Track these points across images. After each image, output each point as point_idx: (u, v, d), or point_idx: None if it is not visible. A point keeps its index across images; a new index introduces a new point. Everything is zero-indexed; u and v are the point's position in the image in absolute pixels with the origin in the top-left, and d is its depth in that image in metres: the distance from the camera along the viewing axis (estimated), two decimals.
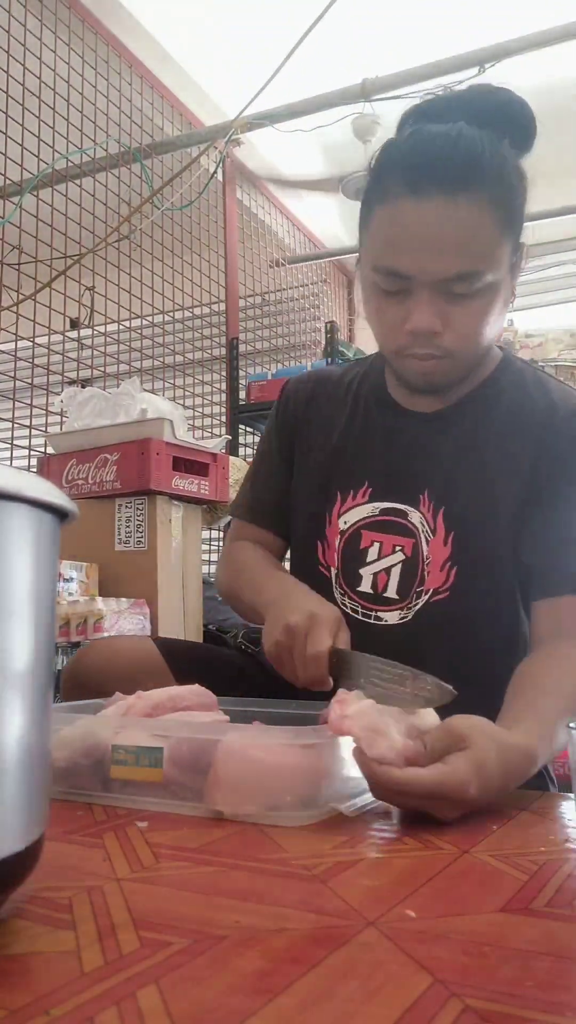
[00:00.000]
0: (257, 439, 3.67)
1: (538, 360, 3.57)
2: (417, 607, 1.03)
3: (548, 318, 4.07)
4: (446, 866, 0.56)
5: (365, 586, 1.05)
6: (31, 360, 2.47)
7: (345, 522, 1.08)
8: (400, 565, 1.04)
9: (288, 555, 1.22)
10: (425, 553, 1.03)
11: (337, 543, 1.08)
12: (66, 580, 1.89)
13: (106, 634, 1.76)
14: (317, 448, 1.14)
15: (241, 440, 3.37)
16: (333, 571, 1.08)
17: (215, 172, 3.05)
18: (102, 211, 2.69)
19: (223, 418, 3.36)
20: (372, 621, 1.05)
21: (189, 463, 2.16)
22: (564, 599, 1.00)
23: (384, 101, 2.72)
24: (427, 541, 1.03)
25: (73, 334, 2.61)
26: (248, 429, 3.46)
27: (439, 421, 1.07)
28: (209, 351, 3.35)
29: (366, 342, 4.39)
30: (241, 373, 3.39)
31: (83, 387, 2.42)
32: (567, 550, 1.01)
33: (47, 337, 2.54)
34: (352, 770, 0.70)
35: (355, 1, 2.58)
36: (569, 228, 3.97)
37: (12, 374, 2.43)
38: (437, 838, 0.63)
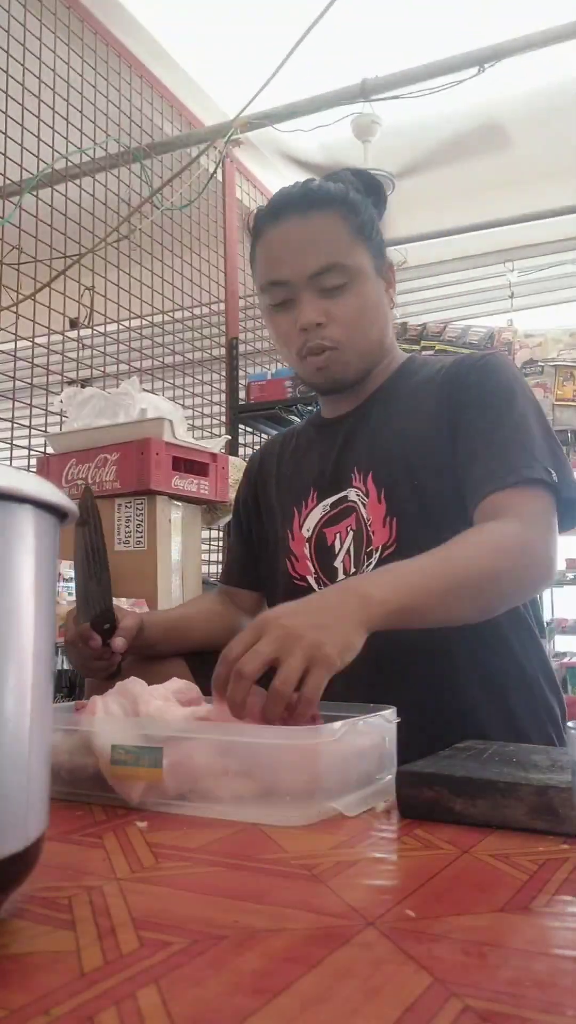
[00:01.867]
0: (257, 439, 3.67)
1: (538, 360, 3.57)
2: (371, 567, 1.08)
3: (548, 318, 4.08)
4: (446, 866, 0.56)
5: (341, 574, 1.13)
6: (31, 360, 2.47)
7: (308, 530, 1.18)
8: (352, 542, 1.13)
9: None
10: (365, 516, 1.11)
11: (307, 551, 1.17)
12: (66, 580, 1.89)
13: None
14: (275, 494, 1.28)
15: (241, 440, 3.37)
16: (311, 577, 1.17)
17: (215, 172, 3.05)
18: (102, 211, 2.69)
19: (223, 418, 3.36)
20: None
21: (189, 463, 2.16)
22: (487, 500, 1.01)
23: (384, 101, 2.72)
24: (364, 505, 1.12)
25: (73, 334, 2.61)
26: (248, 429, 3.46)
27: (356, 415, 1.19)
28: (209, 351, 3.34)
29: None
30: (241, 373, 3.39)
31: (83, 387, 2.42)
32: (484, 458, 1.04)
33: (47, 337, 2.54)
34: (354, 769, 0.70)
35: (355, 1, 2.58)
36: (569, 228, 3.97)
37: (12, 374, 2.43)
38: (437, 838, 0.63)
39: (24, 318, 2.38)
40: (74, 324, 2.59)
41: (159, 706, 0.77)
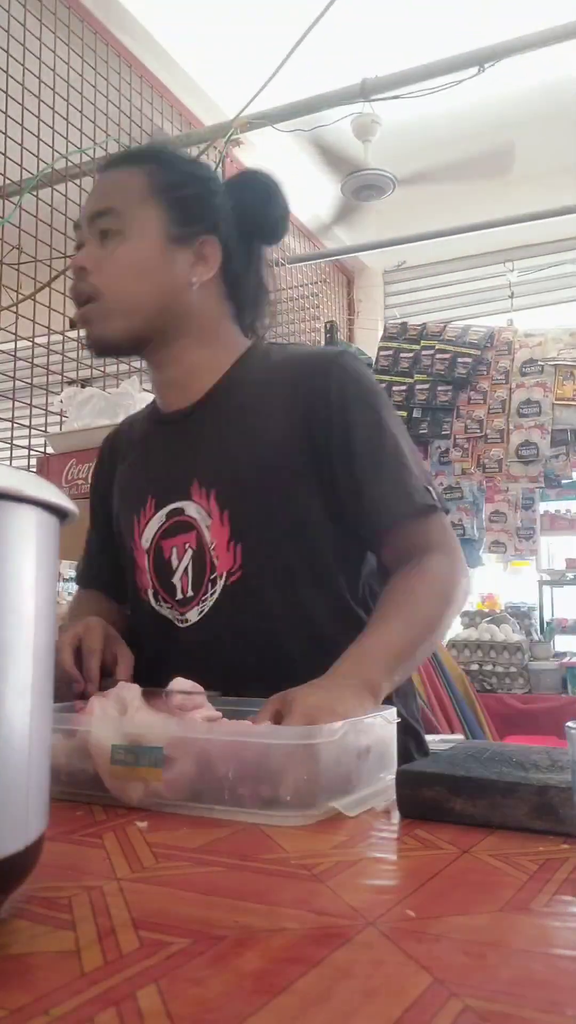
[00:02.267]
0: None
1: (538, 359, 3.57)
2: (215, 595, 1.02)
3: (548, 318, 4.08)
4: (446, 866, 0.56)
5: (179, 593, 1.06)
6: (31, 360, 2.47)
7: (146, 540, 1.10)
8: (190, 562, 1.05)
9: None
10: (208, 539, 1.03)
11: (146, 563, 1.10)
12: (66, 580, 1.89)
13: None
14: (118, 491, 1.19)
15: None
16: (150, 591, 1.09)
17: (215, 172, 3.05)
18: None
19: None
20: (183, 625, 1.05)
21: None
22: (395, 531, 1.02)
23: (384, 101, 2.72)
24: (207, 527, 1.04)
25: (73, 334, 2.60)
26: None
27: (191, 416, 1.10)
28: None
29: (366, 342, 4.40)
30: None
31: (83, 387, 2.42)
32: (373, 486, 1.01)
33: (47, 337, 2.54)
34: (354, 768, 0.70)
35: (355, 1, 2.58)
36: (569, 228, 3.97)
37: (12, 374, 2.43)
38: (437, 838, 0.63)
39: (24, 318, 2.38)
40: (74, 324, 2.59)
41: (147, 716, 0.75)
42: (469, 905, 0.49)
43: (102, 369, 2.82)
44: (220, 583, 1.02)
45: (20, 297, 2.36)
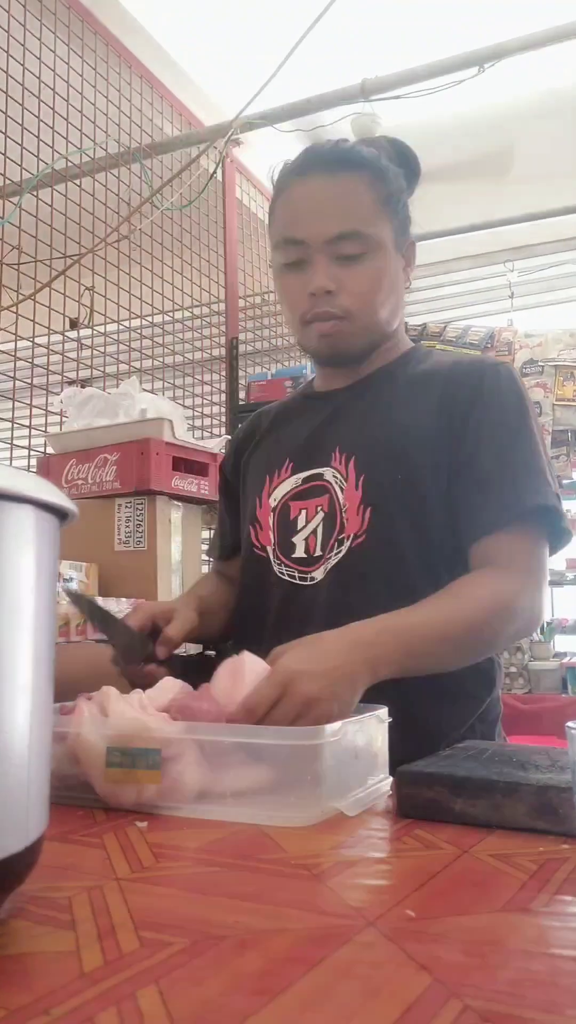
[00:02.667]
0: None
1: (538, 360, 3.57)
2: (340, 555, 1.06)
3: (548, 318, 4.08)
4: (446, 866, 0.56)
5: (299, 552, 1.10)
6: (31, 360, 2.47)
7: (274, 499, 1.15)
8: (322, 523, 1.09)
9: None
10: (341, 501, 1.08)
11: (271, 521, 1.14)
12: (66, 580, 1.89)
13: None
14: (255, 454, 1.24)
15: None
16: (269, 548, 1.14)
17: (215, 172, 3.05)
18: (102, 211, 2.69)
19: (223, 418, 3.36)
20: (307, 583, 1.08)
21: (189, 463, 2.16)
22: (491, 537, 1.03)
23: (384, 101, 2.72)
24: (341, 489, 1.08)
25: (73, 334, 2.61)
26: None
27: (350, 392, 1.16)
28: (209, 351, 3.34)
29: None
30: (241, 373, 3.39)
31: (83, 387, 2.42)
32: (495, 485, 1.04)
33: (47, 337, 2.54)
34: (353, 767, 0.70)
35: (355, 1, 2.58)
36: (569, 228, 3.97)
37: (12, 374, 2.43)
38: (437, 838, 0.63)
39: (24, 318, 2.38)
40: (74, 324, 2.59)
41: (132, 716, 0.74)
42: (469, 905, 0.49)
43: (102, 369, 2.82)
44: (347, 544, 1.06)
45: (20, 297, 2.35)
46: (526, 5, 2.72)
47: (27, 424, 2.49)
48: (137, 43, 2.85)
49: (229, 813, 0.68)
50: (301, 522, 1.11)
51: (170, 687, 0.82)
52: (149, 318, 2.91)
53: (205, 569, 2.34)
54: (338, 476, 1.09)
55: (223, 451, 2.35)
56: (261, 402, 3.17)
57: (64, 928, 0.44)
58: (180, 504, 2.15)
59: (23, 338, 2.39)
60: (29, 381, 2.47)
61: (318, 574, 1.07)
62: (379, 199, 1.07)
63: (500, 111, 3.50)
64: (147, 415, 2.10)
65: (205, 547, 2.36)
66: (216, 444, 2.35)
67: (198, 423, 3.22)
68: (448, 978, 0.38)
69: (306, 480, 1.13)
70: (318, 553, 1.08)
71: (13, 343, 2.39)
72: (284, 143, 3.16)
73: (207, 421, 3.31)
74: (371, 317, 1.09)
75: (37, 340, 2.48)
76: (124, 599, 1.91)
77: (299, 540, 1.11)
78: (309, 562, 1.09)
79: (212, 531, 1.37)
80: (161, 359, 3.10)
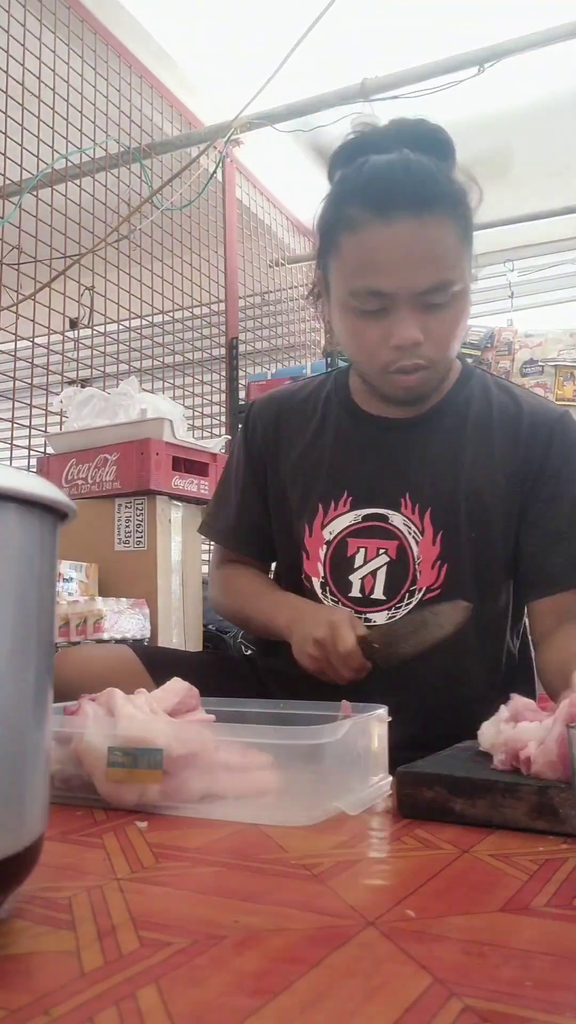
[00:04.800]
0: None
1: (538, 360, 3.57)
2: (410, 606, 1.07)
3: (548, 318, 4.07)
4: (446, 866, 0.56)
5: (355, 591, 1.09)
6: (31, 360, 2.47)
7: (330, 532, 1.12)
8: (386, 567, 1.08)
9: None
10: (416, 553, 1.08)
11: (322, 553, 1.12)
12: (66, 580, 1.89)
13: (105, 635, 1.76)
14: (290, 466, 1.18)
15: None
16: (317, 580, 1.12)
17: (215, 172, 3.05)
18: (102, 211, 2.68)
19: (223, 418, 3.35)
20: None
21: (189, 463, 2.16)
22: (562, 595, 1.06)
23: (384, 101, 2.72)
24: (416, 542, 1.08)
25: (73, 334, 2.60)
26: None
27: (413, 429, 1.12)
28: (209, 351, 3.34)
29: None
30: (241, 373, 3.38)
31: (83, 387, 2.42)
32: (556, 547, 1.06)
33: (47, 337, 2.54)
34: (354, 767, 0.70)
35: (355, 1, 2.57)
36: (569, 228, 3.97)
37: (12, 374, 2.43)
38: (437, 838, 0.63)
39: (24, 318, 2.38)
40: (74, 324, 2.59)
41: (137, 718, 0.74)
42: (469, 905, 0.49)
43: (102, 369, 2.82)
44: (418, 596, 1.07)
45: (20, 297, 2.35)
46: (526, 5, 2.72)
47: (27, 424, 2.49)
48: (137, 43, 2.85)
49: (229, 813, 0.68)
50: (358, 560, 1.10)
51: (177, 689, 0.82)
52: (149, 318, 2.91)
53: (205, 569, 2.34)
54: (411, 526, 1.08)
55: (223, 451, 2.35)
56: None
57: (64, 928, 0.44)
58: (180, 504, 2.15)
59: (23, 338, 2.39)
60: (29, 381, 2.47)
61: (378, 618, 1.08)
62: (461, 234, 0.99)
63: (500, 111, 3.50)
64: (147, 415, 2.10)
65: (205, 547, 2.36)
66: (216, 444, 2.35)
67: (198, 423, 3.22)
68: (448, 978, 0.38)
69: (366, 518, 1.10)
70: (378, 596, 1.08)
71: (13, 343, 2.39)
72: (284, 143, 3.16)
73: (207, 421, 3.31)
74: (451, 359, 1.07)
75: (37, 340, 2.48)
76: (124, 599, 1.91)
77: (355, 579, 1.09)
78: (364, 603, 1.09)
79: (212, 507, 1.31)
80: (161, 359, 3.10)
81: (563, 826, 0.62)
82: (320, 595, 1.12)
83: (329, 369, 1.30)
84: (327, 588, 1.11)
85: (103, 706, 0.77)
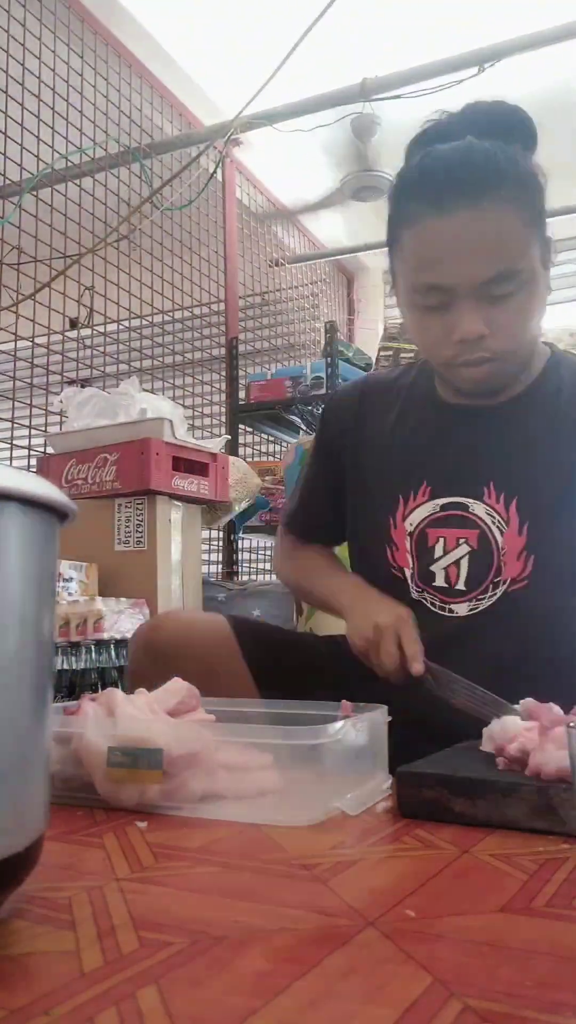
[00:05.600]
0: (257, 439, 3.67)
1: None
2: (495, 597, 1.05)
3: (548, 318, 4.07)
4: (446, 866, 0.56)
5: (439, 581, 1.08)
6: (31, 360, 2.47)
7: (411, 523, 1.10)
8: (467, 557, 1.06)
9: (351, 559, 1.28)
10: (500, 543, 1.04)
11: (407, 544, 1.10)
12: (66, 580, 1.89)
13: (105, 635, 1.76)
14: (372, 457, 1.16)
15: (241, 440, 3.37)
16: (408, 571, 1.10)
17: (215, 172, 3.05)
18: (102, 211, 2.69)
19: (223, 418, 3.35)
20: (445, 614, 1.07)
21: (189, 463, 2.16)
22: None
23: (384, 101, 2.72)
24: (500, 532, 1.05)
25: (73, 334, 2.61)
26: (248, 429, 3.46)
27: (496, 418, 1.08)
28: (209, 351, 3.34)
29: (365, 342, 4.40)
30: (241, 373, 3.39)
31: (83, 387, 2.42)
32: None
33: (47, 337, 2.54)
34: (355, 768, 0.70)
35: (355, 1, 2.57)
36: (569, 228, 3.97)
37: (12, 374, 2.43)
38: (437, 838, 0.63)
39: (24, 318, 2.38)
40: (74, 324, 2.59)
41: (137, 718, 0.75)
42: (469, 905, 0.49)
43: (102, 369, 2.82)
44: (503, 587, 1.04)
45: (20, 297, 2.35)
46: (526, 5, 2.72)
47: (27, 424, 2.49)
48: (137, 43, 2.85)
49: (229, 813, 0.68)
50: (439, 551, 1.08)
51: (177, 689, 0.82)
52: (149, 318, 2.91)
53: (205, 569, 2.35)
54: (495, 515, 1.05)
55: (223, 451, 2.35)
56: (261, 402, 3.18)
57: (64, 928, 0.44)
58: (180, 504, 2.15)
59: (23, 338, 2.39)
60: (29, 381, 2.47)
61: (460, 609, 1.06)
62: (527, 220, 0.95)
63: None
64: (147, 415, 2.10)
65: (205, 547, 2.36)
66: (216, 444, 2.35)
67: (198, 423, 3.22)
68: (448, 978, 0.38)
69: (444, 507, 1.08)
70: (460, 587, 1.06)
71: (13, 343, 2.39)
72: (284, 143, 3.16)
73: (207, 421, 3.31)
74: (522, 350, 1.02)
75: (37, 340, 2.48)
76: (124, 599, 1.91)
77: (438, 569, 1.08)
78: (449, 593, 1.07)
79: (295, 498, 1.31)
80: (161, 359, 3.10)
81: (563, 826, 0.62)
82: (409, 584, 1.10)
83: (415, 361, 1.27)
84: (415, 579, 1.10)
85: (103, 706, 0.77)
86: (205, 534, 2.89)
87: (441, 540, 1.08)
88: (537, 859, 0.57)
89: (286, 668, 1.13)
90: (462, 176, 0.93)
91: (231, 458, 2.45)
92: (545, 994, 0.37)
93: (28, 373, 2.47)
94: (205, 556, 3.12)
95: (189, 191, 2.94)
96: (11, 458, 2.64)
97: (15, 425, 2.48)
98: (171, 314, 3.08)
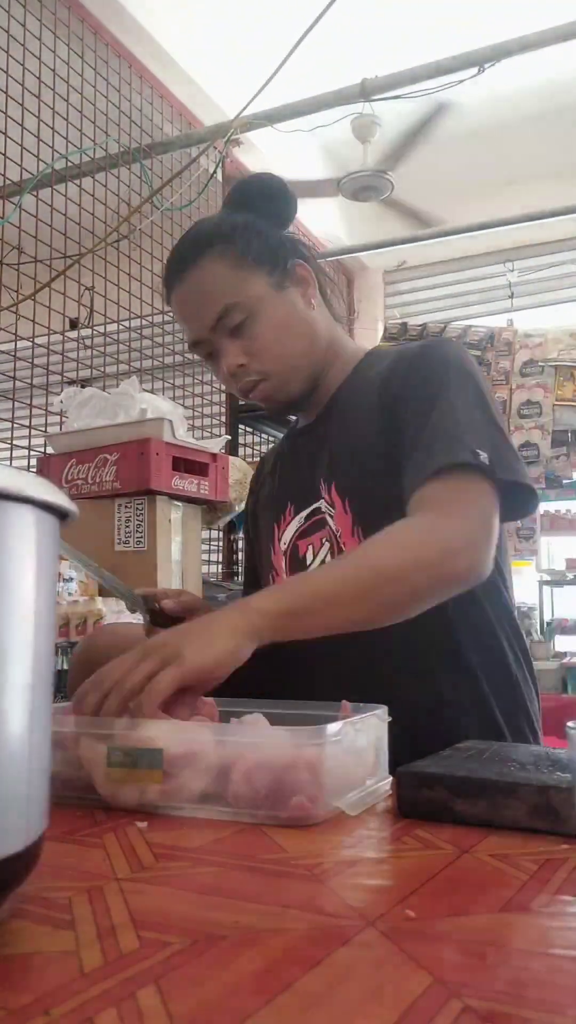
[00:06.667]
0: (257, 439, 3.67)
1: (538, 360, 3.57)
2: None
3: (548, 318, 4.08)
4: (446, 866, 0.56)
5: None
6: (31, 360, 2.47)
7: (284, 543, 1.18)
8: (328, 555, 1.12)
9: None
10: (334, 528, 1.10)
11: (283, 564, 1.17)
12: (66, 580, 1.89)
13: None
14: (260, 501, 1.29)
15: (241, 440, 3.37)
16: None
17: (215, 172, 3.05)
18: (102, 211, 2.69)
19: (223, 418, 3.36)
20: None
21: (189, 463, 2.16)
22: (414, 495, 0.97)
23: (384, 101, 2.72)
24: (331, 517, 1.11)
25: (73, 334, 2.61)
26: (248, 429, 3.46)
27: (319, 423, 1.18)
28: None
29: (366, 342, 4.40)
30: None
31: (83, 387, 2.42)
32: (411, 450, 1.00)
33: (47, 337, 2.54)
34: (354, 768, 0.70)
35: (355, 1, 2.58)
36: (569, 228, 3.97)
37: (12, 374, 2.43)
38: (437, 838, 0.63)
39: (24, 318, 2.38)
40: (74, 324, 2.59)
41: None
42: (469, 905, 0.49)
43: (102, 369, 2.82)
44: None
45: (20, 297, 2.35)
46: (526, 5, 2.72)
47: (27, 424, 2.49)
48: (137, 43, 2.85)
49: (229, 813, 0.68)
50: (309, 557, 1.14)
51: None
52: (149, 318, 2.91)
53: (205, 569, 2.35)
54: (327, 505, 1.12)
55: (223, 451, 2.35)
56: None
57: (64, 928, 0.44)
58: (180, 504, 2.15)
59: (23, 338, 2.39)
60: (29, 381, 2.47)
61: None
62: (232, 262, 1.08)
63: (500, 111, 3.50)
64: (147, 415, 2.10)
65: (205, 547, 2.36)
66: (216, 444, 2.35)
67: (198, 423, 3.22)
68: (448, 978, 0.38)
69: (307, 517, 1.16)
70: None
71: (13, 343, 2.39)
72: (284, 143, 3.16)
73: (207, 421, 3.31)
74: (290, 362, 1.11)
75: (37, 340, 2.48)
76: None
77: None
78: None
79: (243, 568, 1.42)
80: (161, 359, 3.10)
81: (563, 826, 0.62)
82: None
83: None
84: None
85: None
86: (205, 534, 2.89)
87: (310, 547, 1.14)
88: (537, 859, 0.57)
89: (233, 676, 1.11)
90: (173, 259, 1.13)
91: (231, 458, 2.45)
92: (545, 994, 0.37)
93: (28, 373, 2.48)
94: (205, 556, 3.12)
95: (189, 191, 2.94)
96: (11, 458, 2.64)
97: (15, 425, 2.48)
98: (171, 314, 3.08)
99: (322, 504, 1.13)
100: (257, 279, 1.09)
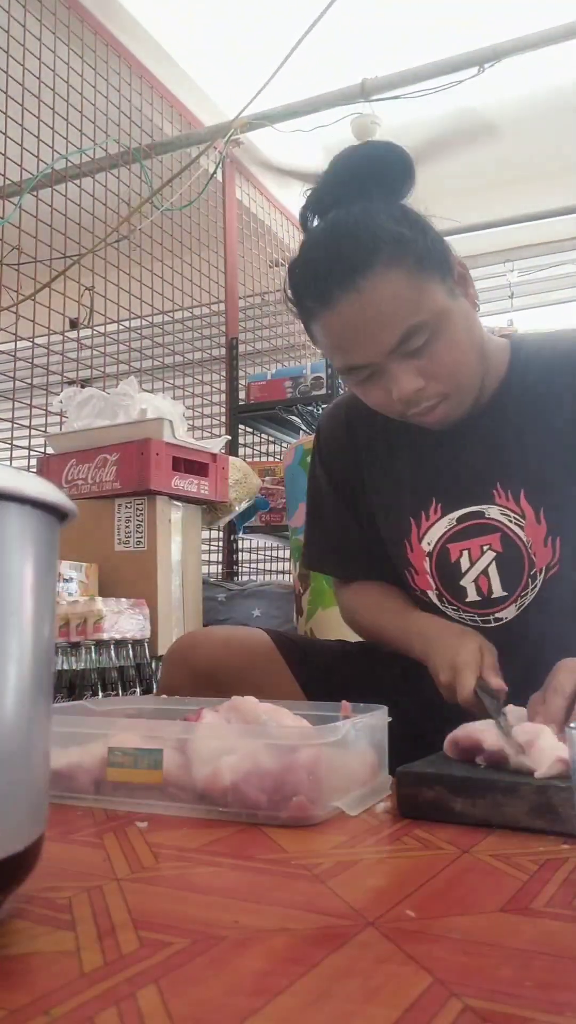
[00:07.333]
0: (256, 439, 3.66)
1: None
2: (536, 589, 1.05)
3: (548, 318, 4.08)
4: (446, 866, 0.56)
5: (472, 595, 1.08)
6: (31, 360, 2.47)
7: (428, 543, 1.10)
8: (494, 563, 1.06)
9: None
10: (524, 537, 1.05)
11: (427, 566, 1.10)
12: (66, 580, 1.89)
13: (105, 635, 1.76)
14: (373, 487, 1.16)
15: (241, 440, 3.37)
16: (432, 593, 1.10)
17: (215, 172, 3.05)
18: (102, 211, 2.69)
19: (223, 418, 3.35)
20: (489, 625, 1.07)
21: (189, 463, 2.16)
22: None
23: (384, 101, 2.72)
24: (520, 527, 1.05)
25: (73, 334, 2.61)
26: (248, 429, 3.46)
27: (479, 425, 1.07)
28: (209, 351, 3.34)
29: None
30: (241, 373, 3.39)
31: (83, 387, 2.42)
32: None
33: (47, 337, 2.54)
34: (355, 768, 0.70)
35: (355, 1, 2.58)
36: (569, 228, 3.97)
37: (12, 374, 2.43)
38: (437, 838, 0.63)
39: (24, 318, 2.38)
40: (74, 324, 2.59)
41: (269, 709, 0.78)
42: (469, 905, 0.49)
43: (102, 369, 2.82)
44: (540, 577, 1.05)
45: (20, 297, 2.35)
46: (526, 5, 2.72)
47: (27, 424, 2.49)
48: (137, 43, 2.85)
49: (229, 813, 0.68)
50: (465, 564, 1.07)
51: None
52: (149, 318, 2.91)
53: (205, 569, 2.35)
54: (510, 514, 1.05)
55: (223, 451, 2.35)
56: (261, 402, 3.18)
57: (64, 928, 0.44)
58: (180, 504, 2.15)
59: (23, 338, 2.39)
60: (29, 381, 2.47)
61: (506, 613, 1.06)
62: (410, 271, 0.93)
63: (500, 111, 3.50)
64: (147, 415, 2.10)
65: (205, 547, 2.36)
66: (216, 444, 2.35)
67: (198, 423, 3.22)
68: (448, 978, 0.38)
69: (461, 519, 1.08)
70: (500, 594, 1.06)
71: (13, 343, 2.39)
72: (284, 143, 3.16)
73: (207, 421, 3.31)
74: (467, 380, 1.01)
75: (37, 340, 2.48)
76: (124, 599, 1.91)
77: (468, 583, 1.07)
78: (488, 604, 1.07)
79: (310, 536, 1.27)
80: (161, 359, 3.10)
81: (563, 826, 0.62)
82: (439, 606, 1.10)
83: None
84: (444, 599, 1.10)
85: (225, 715, 0.79)
86: (205, 534, 2.89)
87: (465, 552, 1.07)
88: (537, 859, 0.57)
89: (335, 679, 1.14)
90: (336, 264, 0.93)
91: (231, 458, 2.45)
92: (545, 994, 0.37)
93: (28, 373, 2.48)
94: (205, 556, 3.12)
95: (189, 191, 2.94)
96: (11, 458, 2.64)
97: (15, 425, 2.48)
98: (171, 314, 3.08)
99: (492, 509, 1.06)
100: (434, 288, 0.95)
